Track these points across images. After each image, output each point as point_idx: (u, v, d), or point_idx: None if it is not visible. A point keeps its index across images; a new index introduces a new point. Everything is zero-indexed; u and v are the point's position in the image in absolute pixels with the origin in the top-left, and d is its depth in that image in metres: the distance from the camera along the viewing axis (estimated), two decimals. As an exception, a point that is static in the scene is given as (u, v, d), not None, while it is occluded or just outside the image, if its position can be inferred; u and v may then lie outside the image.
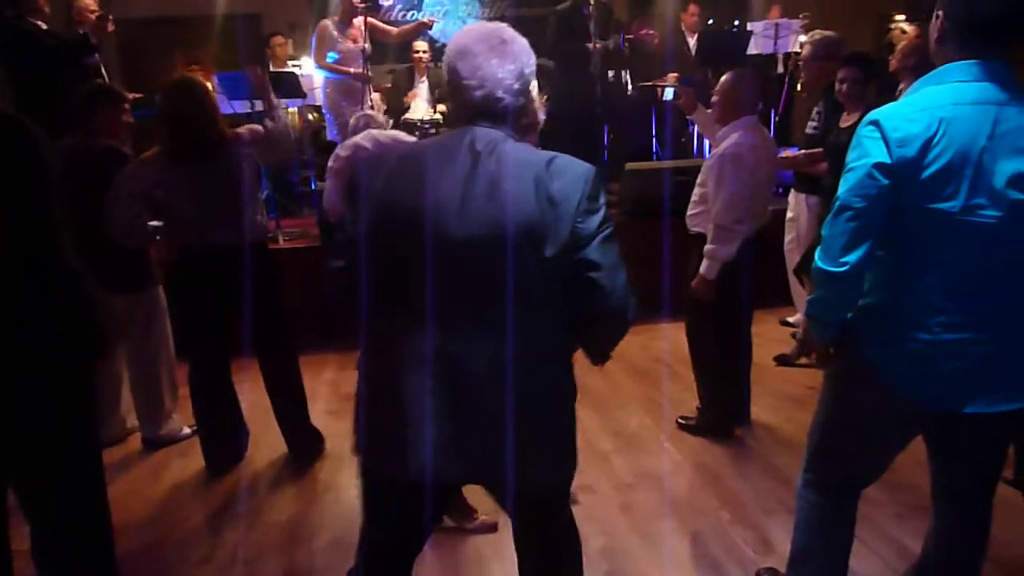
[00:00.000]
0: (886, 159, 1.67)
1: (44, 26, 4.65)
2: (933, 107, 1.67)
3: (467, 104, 1.55)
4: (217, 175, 3.05)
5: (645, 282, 3.45)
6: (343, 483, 3.20)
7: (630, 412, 3.79)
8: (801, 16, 6.36)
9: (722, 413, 3.44)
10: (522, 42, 1.58)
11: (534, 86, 1.74)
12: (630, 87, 6.73)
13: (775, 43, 6.29)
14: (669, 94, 6.27)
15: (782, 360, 4.19)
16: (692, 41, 6.76)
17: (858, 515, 2.62)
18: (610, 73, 6.42)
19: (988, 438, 1.84)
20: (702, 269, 3.16)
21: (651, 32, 6.62)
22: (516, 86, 1.55)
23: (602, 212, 1.52)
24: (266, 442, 3.54)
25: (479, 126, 1.55)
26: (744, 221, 3.11)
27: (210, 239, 3.07)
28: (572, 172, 1.51)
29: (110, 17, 4.88)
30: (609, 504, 2.95)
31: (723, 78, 3.27)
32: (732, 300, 3.24)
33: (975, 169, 1.63)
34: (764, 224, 3.32)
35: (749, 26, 6.57)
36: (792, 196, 4.43)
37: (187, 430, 3.74)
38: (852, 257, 1.71)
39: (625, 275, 1.55)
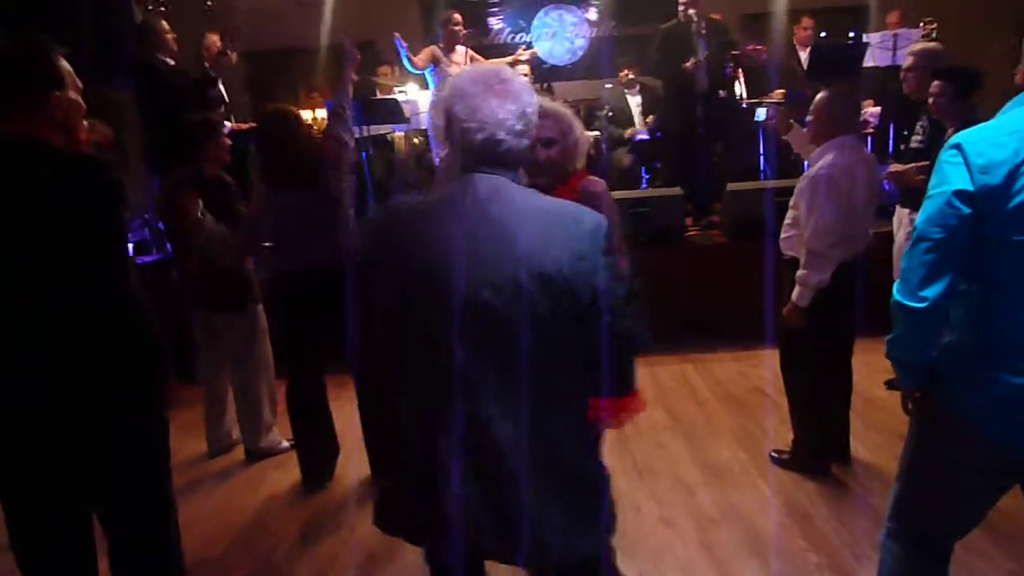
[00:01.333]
0: (968, 186, 1.55)
1: (172, 62, 5.03)
2: (1022, 130, 1.53)
3: (468, 149, 1.47)
4: (312, 200, 3.19)
5: (746, 306, 3.34)
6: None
7: (722, 443, 3.65)
8: (923, 24, 5.98)
9: (817, 448, 3.25)
10: (522, 81, 1.52)
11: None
12: (744, 102, 6.53)
13: (894, 55, 5.94)
14: (761, 114, 6.03)
15: (892, 384, 3.92)
16: (804, 55, 6.50)
17: (966, 568, 2.44)
18: (722, 92, 6.25)
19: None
20: (793, 296, 3.01)
21: (759, 48, 6.40)
22: (518, 127, 1.47)
23: (611, 262, 1.48)
24: (363, 459, 3.64)
25: (480, 172, 1.48)
26: (839, 246, 2.94)
27: (305, 261, 3.21)
28: (586, 222, 1.45)
29: (231, 52, 5.22)
30: (689, 540, 2.85)
31: (818, 96, 3.12)
32: (829, 328, 3.07)
33: None
34: (866, 247, 3.12)
35: (865, 37, 6.24)
36: (898, 214, 4.17)
37: (286, 443, 3.91)
38: (931, 291, 1.60)
39: (636, 305, 1.54)
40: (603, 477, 1.59)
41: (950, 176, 1.58)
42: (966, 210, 1.55)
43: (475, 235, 1.42)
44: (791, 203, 3.11)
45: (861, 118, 5.98)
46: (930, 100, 3.48)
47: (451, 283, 1.41)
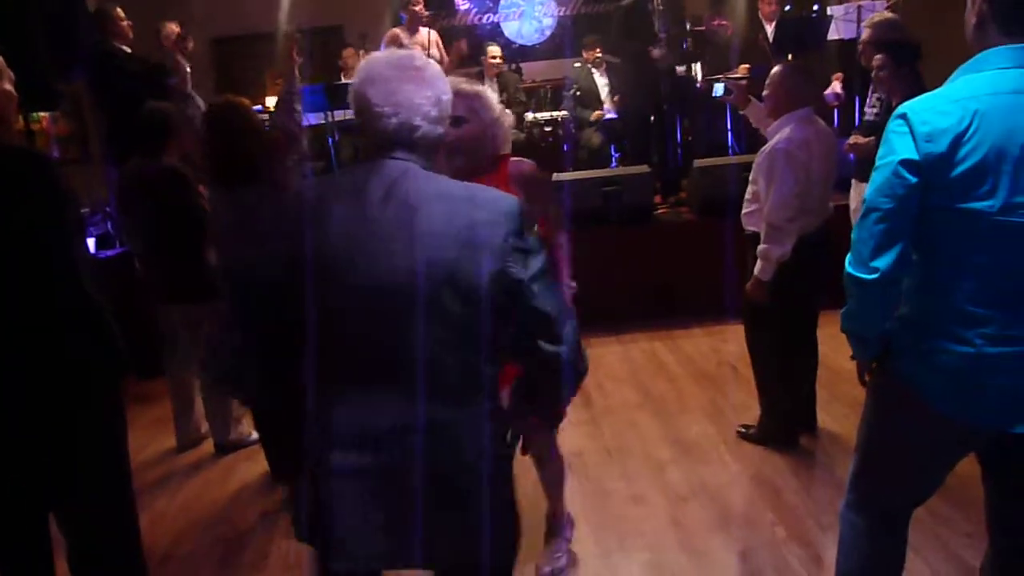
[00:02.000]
0: (914, 155, 1.54)
1: (128, 50, 4.92)
2: (967, 98, 1.53)
3: (380, 133, 1.42)
4: (262, 197, 3.02)
5: (715, 282, 3.35)
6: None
7: (692, 419, 3.67)
8: (885, -6, 6.00)
9: (784, 421, 3.27)
10: (436, 68, 1.47)
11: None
12: (699, 81, 6.53)
13: (858, 27, 5.94)
14: (719, 90, 6.02)
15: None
16: (770, 30, 6.49)
17: (927, 535, 2.47)
18: (679, 68, 6.24)
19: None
20: (756, 270, 3.02)
21: (724, 23, 6.39)
22: (434, 113, 1.43)
23: (539, 253, 1.41)
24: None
25: (391, 158, 1.42)
26: (797, 219, 2.95)
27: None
28: (493, 206, 1.39)
29: (188, 38, 5.11)
30: (659, 517, 2.86)
31: (773, 70, 3.12)
32: (792, 301, 3.09)
33: (1015, 165, 1.49)
34: (825, 219, 3.14)
35: (829, 10, 6.25)
36: (855, 187, 4.19)
37: (255, 435, 3.87)
38: (882, 262, 1.59)
39: (574, 321, 1.45)
40: (504, 486, 1.50)
41: (896, 146, 1.58)
42: (912, 179, 1.55)
43: (376, 218, 1.37)
44: (751, 178, 3.12)
45: (829, 91, 6.01)
46: (873, 74, 3.48)
47: (349, 267, 1.36)
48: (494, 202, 1.40)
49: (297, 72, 3.34)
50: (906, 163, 1.55)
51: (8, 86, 1.86)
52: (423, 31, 5.86)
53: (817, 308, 3.25)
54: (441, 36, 6.66)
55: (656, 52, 5.62)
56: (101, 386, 1.90)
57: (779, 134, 3.01)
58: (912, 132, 1.55)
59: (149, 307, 3.75)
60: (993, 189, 1.49)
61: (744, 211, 3.16)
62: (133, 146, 3.70)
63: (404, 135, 1.42)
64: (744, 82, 3.69)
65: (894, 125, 1.60)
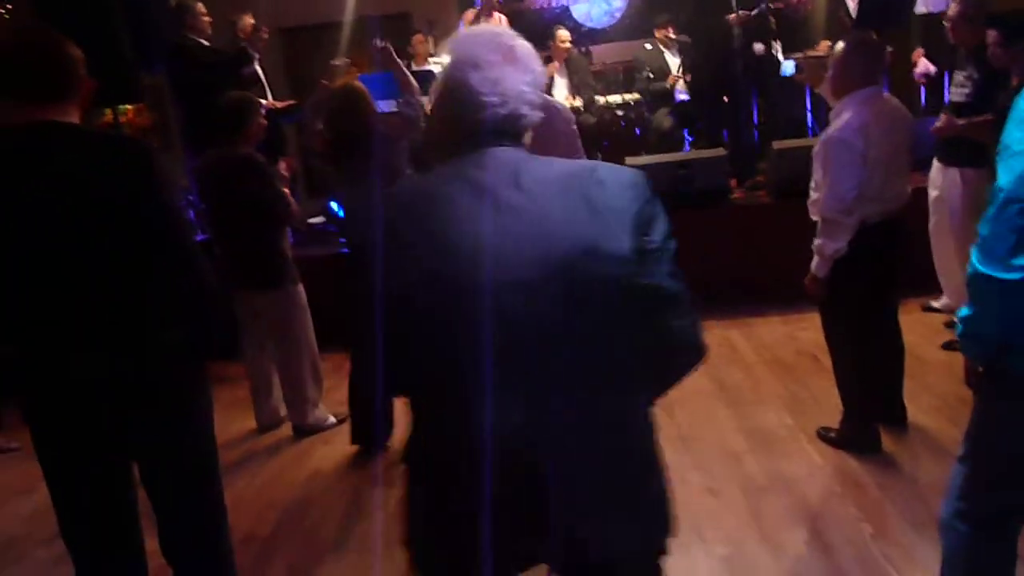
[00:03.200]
0: None
1: (205, 43, 5.05)
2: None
3: (484, 123, 1.30)
4: (373, 172, 3.25)
5: (793, 267, 3.25)
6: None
7: (769, 409, 3.57)
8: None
9: (865, 424, 3.08)
10: (528, 45, 1.37)
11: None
12: (781, 59, 6.31)
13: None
14: (789, 68, 5.78)
15: (949, 345, 3.78)
16: (851, 3, 6.22)
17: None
18: (757, 46, 6.04)
19: None
20: (812, 266, 2.88)
21: (804, -1, 6.17)
22: (535, 98, 1.33)
23: (665, 223, 1.30)
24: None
25: (498, 147, 1.30)
26: (854, 212, 2.79)
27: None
28: (619, 179, 1.29)
29: (264, 29, 5.21)
30: (737, 509, 2.80)
31: (837, 47, 2.94)
32: (860, 294, 2.92)
33: None
34: (900, 206, 2.95)
35: (917, -19, 5.95)
36: (936, 171, 3.98)
37: (333, 419, 3.96)
38: None
39: (690, 295, 1.32)
40: (661, 466, 1.41)
41: None
42: None
43: (512, 209, 1.25)
44: (814, 165, 2.96)
45: (920, 69, 5.73)
46: (988, 51, 3.30)
47: (478, 268, 1.22)
48: (618, 173, 1.31)
49: (404, 73, 3.53)
50: None
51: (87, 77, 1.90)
52: (496, 16, 5.81)
53: (894, 298, 3.10)
54: (511, 21, 6.61)
55: (732, 17, 5.45)
56: (195, 367, 1.95)
57: (838, 119, 2.85)
58: None
59: (227, 292, 3.85)
60: None
61: (810, 199, 3.00)
62: (210, 135, 3.80)
63: (510, 125, 1.31)
64: (816, 59, 3.48)
65: None
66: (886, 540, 2.52)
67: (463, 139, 1.33)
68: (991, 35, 3.32)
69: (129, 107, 7.70)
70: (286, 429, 4.00)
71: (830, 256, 2.84)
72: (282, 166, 3.66)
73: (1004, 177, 1.45)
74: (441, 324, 1.27)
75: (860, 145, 2.76)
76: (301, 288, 3.80)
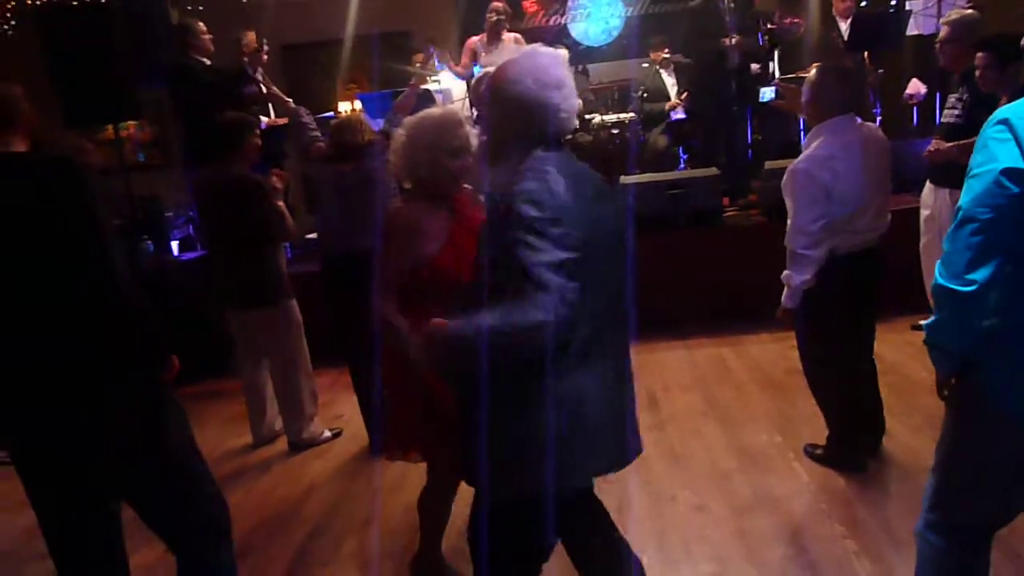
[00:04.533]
0: (1018, 164, 1.47)
1: (207, 62, 5.12)
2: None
3: (561, 132, 1.70)
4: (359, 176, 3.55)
5: (782, 287, 3.27)
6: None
7: (759, 428, 3.60)
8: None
9: (850, 445, 3.12)
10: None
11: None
12: (775, 79, 6.39)
13: (937, 22, 5.73)
14: (767, 94, 5.86)
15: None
16: (844, 26, 6.31)
17: (1006, 551, 2.37)
18: (753, 66, 6.12)
19: None
20: (783, 296, 2.88)
21: (796, 20, 6.24)
22: None
23: None
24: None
25: (559, 149, 1.71)
26: (820, 245, 2.77)
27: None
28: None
29: (264, 47, 5.28)
30: (724, 526, 2.82)
31: (810, 74, 2.93)
32: (842, 323, 2.93)
33: None
34: (878, 235, 2.94)
35: (908, 5, 6.05)
36: (928, 191, 4.02)
37: (328, 433, 4.00)
38: (979, 274, 1.52)
39: None
40: None
41: (997, 153, 1.51)
42: (1015, 189, 1.47)
43: (602, 199, 1.74)
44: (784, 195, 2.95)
45: (910, 89, 5.80)
46: (977, 73, 3.36)
47: (613, 239, 1.74)
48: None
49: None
50: (1009, 172, 1.48)
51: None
52: (508, 36, 5.80)
53: (868, 324, 3.11)
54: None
55: (727, 41, 5.53)
56: (145, 379, 1.97)
57: (808, 148, 2.83)
58: (1016, 138, 1.48)
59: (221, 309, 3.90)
60: None
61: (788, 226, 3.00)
62: (208, 154, 3.85)
63: (567, 133, 1.76)
64: (795, 85, 3.48)
65: (994, 131, 1.53)
66: (869, 557, 2.55)
67: (536, 144, 1.68)
68: (980, 58, 3.37)
69: (131, 123, 7.81)
70: (281, 443, 4.04)
71: (797, 287, 2.84)
72: (274, 178, 3.70)
73: (964, 197, 1.55)
74: (592, 279, 1.62)
75: (825, 178, 2.74)
76: (295, 304, 3.85)
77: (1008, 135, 1.50)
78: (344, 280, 3.53)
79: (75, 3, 5.29)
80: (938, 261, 1.61)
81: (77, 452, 1.89)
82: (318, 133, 4.59)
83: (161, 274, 5.05)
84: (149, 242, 5.14)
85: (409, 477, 3.34)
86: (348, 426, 4.13)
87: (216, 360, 4.79)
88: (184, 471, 2.07)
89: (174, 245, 5.58)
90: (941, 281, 1.57)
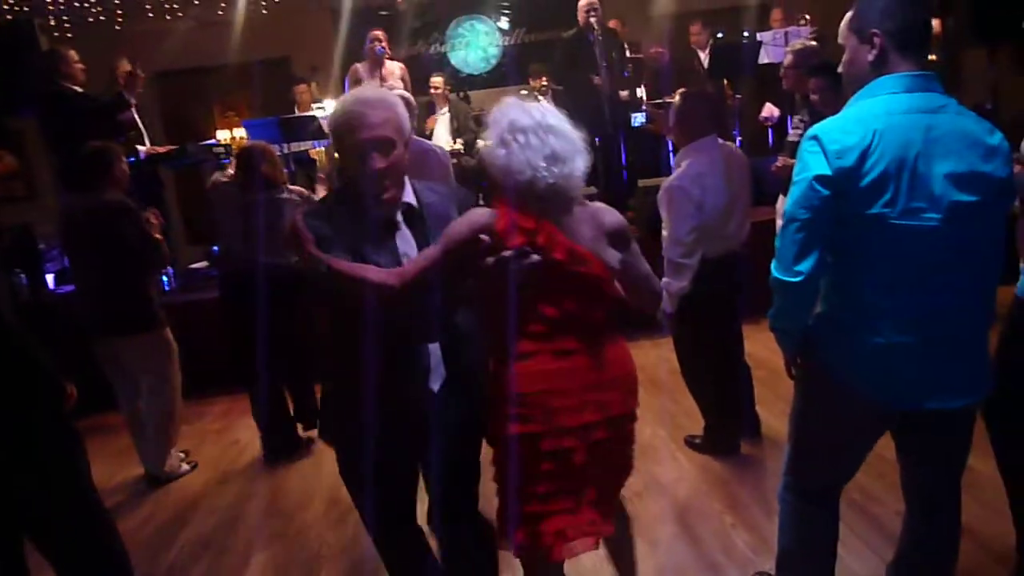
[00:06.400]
0: (826, 171, 1.75)
1: (79, 90, 4.98)
2: (867, 119, 1.76)
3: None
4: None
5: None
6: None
7: (644, 423, 3.81)
8: (803, 21, 6.41)
9: (724, 431, 3.44)
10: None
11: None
12: (644, 105, 6.84)
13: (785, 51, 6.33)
14: (638, 119, 6.33)
15: None
16: (703, 55, 6.85)
17: (861, 514, 2.69)
18: (623, 93, 6.53)
19: (949, 433, 1.90)
20: (662, 303, 3.17)
21: (661, 50, 6.73)
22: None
23: None
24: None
25: None
26: (695, 253, 3.08)
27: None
28: None
29: (139, 73, 5.19)
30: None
31: (675, 99, 3.22)
32: (709, 324, 3.25)
33: (911, 174, 1.71)
34: (741, 242, 3.28)
35: (758, 36, 6.63)
36: (781, 202, 4.45)
37: (187, 466, 4.00)
38: (804, 266, 1.79)
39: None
40: None
41: (810, 163, 1.79)
42: (825, 192, 1.75)
43: None
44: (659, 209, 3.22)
45: (765, 112, 6.35)
46: (812, 96, 3.77)
47: None
48: None
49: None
50: (820, 178, 1.76)
51: None
52: (390, 64, 5.92)
53: (733, 325, 3.43)
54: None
55: (598, 79, 5.89)
56: (36, 415, 1.96)
57: (678, 168, 3.13)
58: (824, 151, 1.76)
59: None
60: (895, 196, 1.71)
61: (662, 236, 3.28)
62: (76, 183, 3.74)
63: None
64: (662, 110, 3.80)
65: (807, 146, 1.81)
66: (746, 528, 2.83)
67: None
68: (814, 82, 3.78)
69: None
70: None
71: (675, 293, 3.12)
72: (150, 215, 3.68)
73: (787, 202, 1.83)
74: None
75: (696, 192, 3.03)
76: (168, 332, 3.80)
77: (817, 148, 1.78)
78: (244, 295, 3.62)
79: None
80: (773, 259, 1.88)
81: None
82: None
83: (37, 307, 4.84)
84: (22, 275, 4.92)
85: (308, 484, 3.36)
86: (244, 451, 4.12)
87: (99, 394, 4.62)
88: (86, 501, 2.08)
89: (49, 278, 5.35)
90: (775, 274, 1.85)
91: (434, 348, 1.93)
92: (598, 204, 1.98)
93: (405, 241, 1.92)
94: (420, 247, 1.90)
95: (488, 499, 2.00)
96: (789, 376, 2.08)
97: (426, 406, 1.92)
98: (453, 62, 8.96)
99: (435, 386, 1.94)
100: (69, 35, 7.11)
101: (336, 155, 2.12)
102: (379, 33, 5.86)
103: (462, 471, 2.05)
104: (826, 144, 1.77)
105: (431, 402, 1.92)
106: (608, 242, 1.89)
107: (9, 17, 6.95)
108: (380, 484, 1.92)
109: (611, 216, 1.95)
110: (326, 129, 6.07)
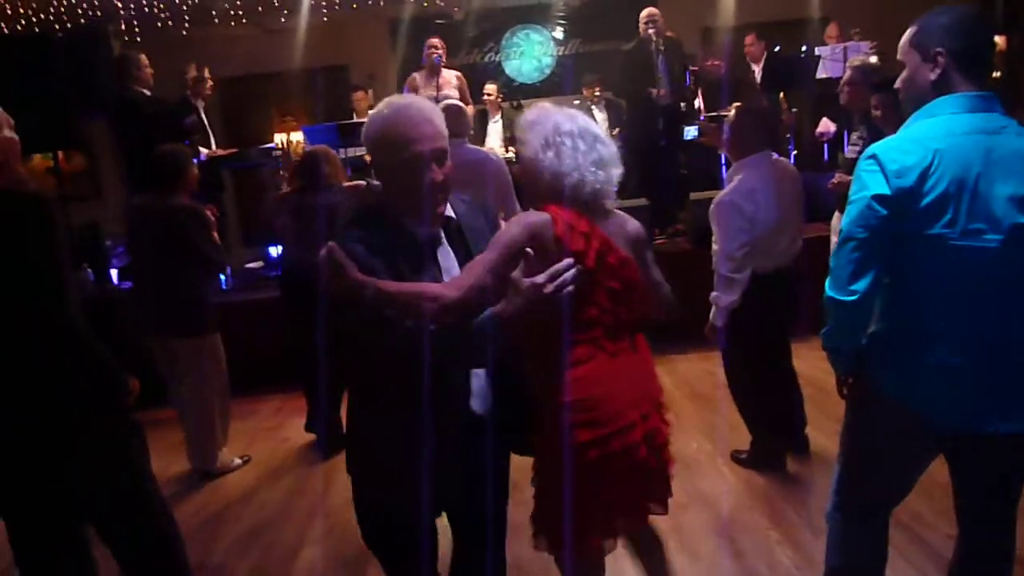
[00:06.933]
0: (885, 190, 1.75)
1: (148, 93, 5.18)
2: (927, 139, 1.75)
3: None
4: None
5: (708, 309, 3.54)
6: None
7: (690, 437, 3.87)
8: (854, 35, 6.33)
9: (771, 447, 3.42)
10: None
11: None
12: (702, 115, 6.81)
13: (843, 66, 6.24)
14: (691, 133, 6.29)
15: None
16: (757, 68, 6.80)
17: (911, 537, 2.66)
18: (683, 104, 6.50)
19: (1004, 458, 1.87)
20: (710, 315, 3.16)
21: (716, 63, 6.70)
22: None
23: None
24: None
25: None
26: (745, 268, 3.09)
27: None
28: None
29: (207, 79, 5.37)
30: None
31: (730, 113, 3.23)
32: (760, 338, 3.24)
33: (972, 195, 1.70)
34: (793, 258, 3.27)
35: (817, 50, 6.56)
36: (836, 219, 4.40)
37: (238, 461, 4.11)
38: (859, 285, 1.78)
39: None
40: None
41: (868, 183, 1.78)
42: (883, 211, 1.75)
43: None
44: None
45: (820, 128, 6.27)
46: (874, 112, 3.73)
47: None
48: None
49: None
50: (878, 198, 1.75)
51: (9, 132, 2.02)
52: (447, 73, 6.00)
53: (784, 340, 3.42)
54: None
55: (657, 91, 5.88)
56: (104, 406, 2.02)
57: (731, 183, 3.13)
58: (883, 170, 1.76)
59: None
60: (955, 216, 1.70)
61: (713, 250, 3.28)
62: (146, 185, 3.86)
63: None
64: (716, 123, 3.79)
65: (865, 165, 1.81)
66: (789, 544, 2.81)
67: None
68: (875, 99, 3.73)
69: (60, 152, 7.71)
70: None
71: (725, 308, 3.12)
72: (208, 212, 3.80)
73: (844, 221, 1.82)
74: None
75: (749, 208, 3.04)
76: (218, 337, 3.91)
77: (876, 167, 1.77)
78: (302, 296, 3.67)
79: (19, 35, 5.30)
80: (828, 277, 1.86)
81: (48, 478, 1.95)
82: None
83: (102, 301, 5.04)
84: (89, 270, 5.13)
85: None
86: (295, 448, 4.23)
87: (157, 388, 4.78)
88: (146, 493, 2.14)
89: (113, 273, 5.57)
90: (830, 293, 1.83)
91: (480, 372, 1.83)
92: (622, 213, 2.03)
93: (446, 256, 1.82)
94: (461, 261, 1.80)
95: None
96: (840, 395, 2.06)
97: (465, 443, 1.80)
98: (507, 71, 9.04)
99: (479, 409, 1.84)
100: (139, 39, 7.37)
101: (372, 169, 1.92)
102: (436, 41, 5.93)
103: (498, 527, 2.02)
104: (885, 164, 1.76)
105: (474, 431, 1.82)
106: (631, 249, 1.95)
107: (83, 22, 7.27)
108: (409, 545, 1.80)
109: (633, 224, 2.02)
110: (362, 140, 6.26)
